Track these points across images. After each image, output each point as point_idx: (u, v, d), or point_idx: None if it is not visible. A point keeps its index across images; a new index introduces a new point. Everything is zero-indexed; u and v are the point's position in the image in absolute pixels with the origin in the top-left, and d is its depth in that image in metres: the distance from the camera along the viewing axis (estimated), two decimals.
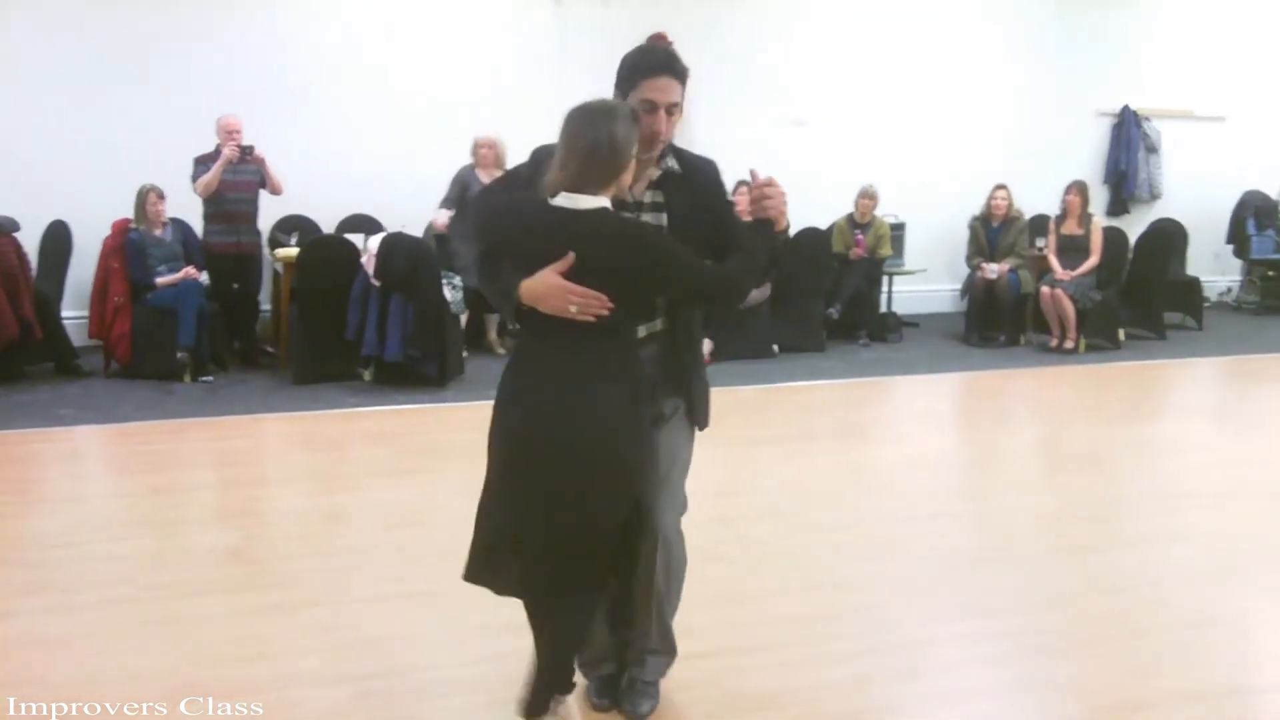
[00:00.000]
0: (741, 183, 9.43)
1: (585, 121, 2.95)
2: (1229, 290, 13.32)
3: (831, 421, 8.09)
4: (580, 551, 3.07)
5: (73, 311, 8.86)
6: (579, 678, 3.44)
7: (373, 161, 9.73)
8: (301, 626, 4.21)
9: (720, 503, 5.34)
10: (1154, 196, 12.90)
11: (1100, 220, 10.95)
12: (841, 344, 10.23)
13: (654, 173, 3.18)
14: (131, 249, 8.24)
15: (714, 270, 3.07)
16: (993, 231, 10.67)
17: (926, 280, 11.55)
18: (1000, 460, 7.22)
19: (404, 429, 7.31)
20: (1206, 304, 12.07)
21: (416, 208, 8.97)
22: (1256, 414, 8.60)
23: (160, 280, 8.24)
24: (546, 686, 3.25)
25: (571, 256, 2.92)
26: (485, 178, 8.92)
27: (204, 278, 8.42)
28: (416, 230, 8.68)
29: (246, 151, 8.47)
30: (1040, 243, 10.68)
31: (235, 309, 8.90)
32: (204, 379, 8.24)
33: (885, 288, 11.03)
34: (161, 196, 8.32)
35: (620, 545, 3.13)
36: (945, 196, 11.36)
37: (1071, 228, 10.46)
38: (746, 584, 4.60)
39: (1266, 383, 9.68)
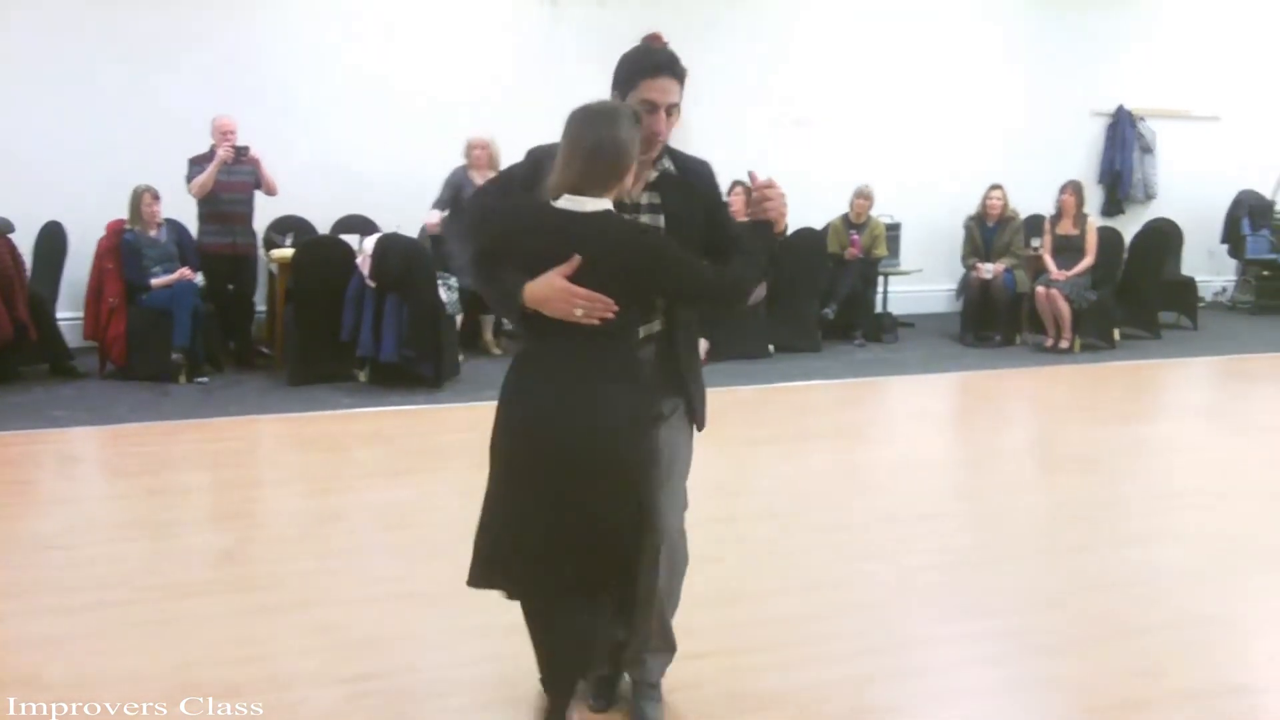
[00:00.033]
0: (737, 183, 9.47)
1: (589, 123, 2.93)
2: (1224, 290, 13.32)
3: (828, 422, 8.09)
4: (587, 554, 3.05)
5: (67, 313, 8.84)
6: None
7: (368, 162, 9.71)
8: (298, 627, 4.20)
9: (717, 503, 5.32)
10: (1149, 196, 12.90)
11: (1095, 220, 10.97)
12: (837, 344, 10.23)
13: (650, 174, 3.18)
14: (126, 250, 8.22)
15: (717, 272, 3.06)
16: (988, 231, 10.67)
17: (922, 280, 11.55)
18: (996, 460, 7.23)
19: (399, 430, 7.30)
20: (1201, 304, 12.08)
21: (412, 208, 8.95)
22: (1251, 413, 8.61)
23: (155, 281, 8.22)
24: (559, 701, 3.25)
25: (577, 260, 2.91)
26: (479, 179, 8.91)
27: (199, 279, 8.40)
28: (411, 231, 8.66)
29: (241, 152, 8.46)
30: (1035, 243, 10.69)
31: (230, 310, 8.87)
32: (199, 380, 8.23)
33: (881, 288, 11.03)
34: (156, 197, 8.30)
35: (627, 547, 3.10)
36: (940, 196, 11.36)
37: (1066, 228, 10.47)
38: (744, 584, 4.60)
39: (1261, 382, 9.69)
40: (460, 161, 9.11)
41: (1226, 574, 4.94)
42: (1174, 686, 3.88)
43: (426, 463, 6.67)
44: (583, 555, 3.05)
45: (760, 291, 3.25)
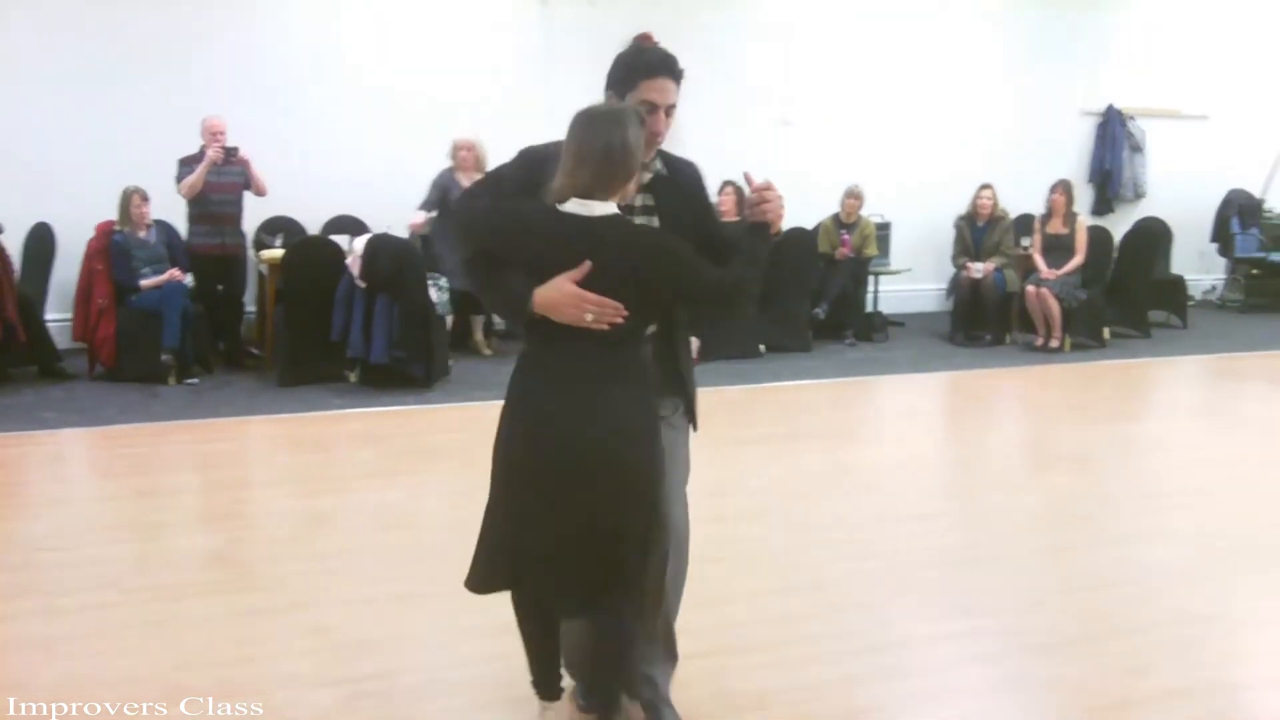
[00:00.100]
0: (728, 183, 9.48)
1: (597, 126, 2.91)
2: (1213, 288, 13.36)
3: (819, 421, 8.09)
4: (598, 560, 3.02)
5: (56, 314, 8.82)
6: (566, 680, 3.43)
7: (358, 162, 9.70)
8: (290, 629, 4.19)
9: (709, 503, 5.29)
10: (1138, 195, 12.95)
11: (1085, 219, 10.99)
12: (828, 344, 10.24)
13: (645, 176, 3.17)
14: (116, 251, 8.21)
15: (724, 275, 3.03)
16: (978, 231, 10.69)
17: (912, 280, 11.57)
18: (987, 459, 7.24)
19: (390, 431, 7.29)
20: (1191, 302, 12.12)
21: (402, 209, 8.94)
22: (1241, 412, 8.63)
23: (145, 282, 8.21)
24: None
25: (588, 265, 2.88)
26: (465, 180, 8.90)
27: (188, 279, 8.39)
28: (401, 231, 8.65)
29: (231, 153, 8.45)
30: (1025, 242, 10.71)
31: (220, 311, 8.87)
32: (189, 381, 8.21)
33: (871, 287, 11.04)
34: (145, 198, 8.29)
35: (638, 552, 3.07)
36: (930, 196, 11.38)
37: (1056, 227, 10.49)
38: (736, 584, 4.60)
39: (1251, 381, 9.71)
40: (448, 163, 9.09)
41: (1218, 572, 4.95)
42: (1166, 685, 3.89)
43: (417, 463, 6.66)
44: (593, 561, 3.02)
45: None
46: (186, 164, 8.45)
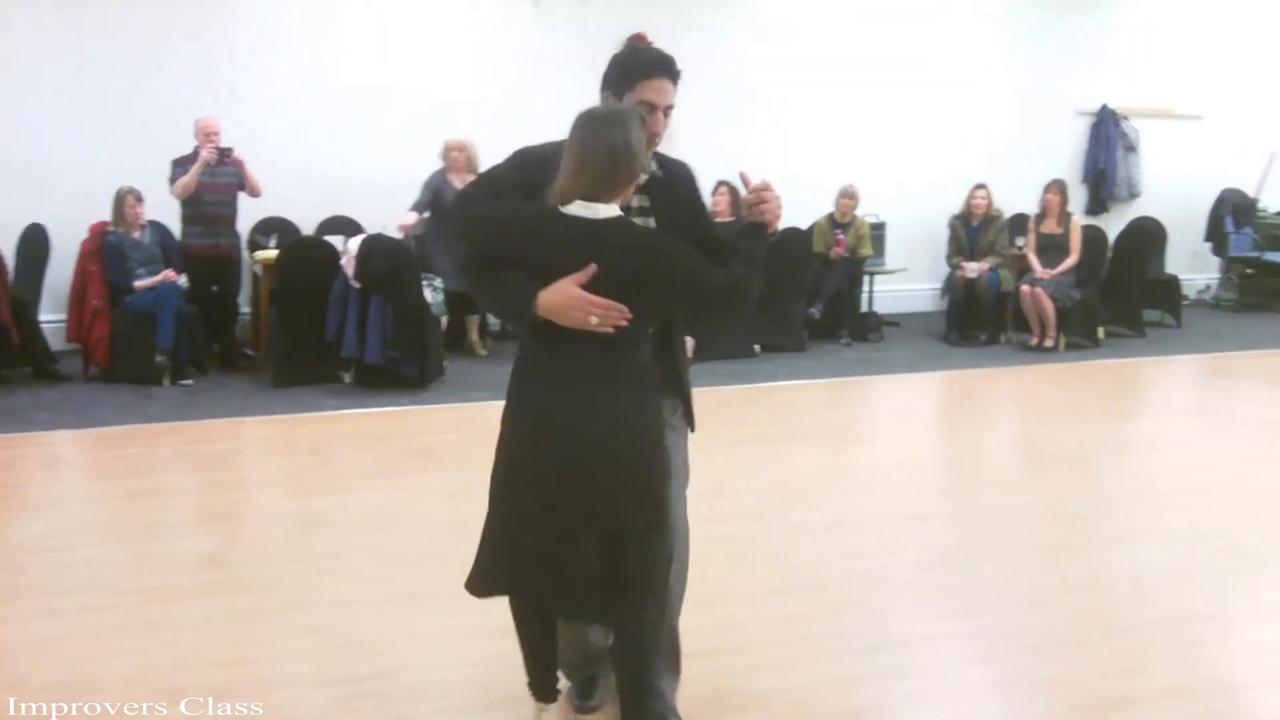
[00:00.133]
0: (722, 183, 9.48)
1: (600, 128, 2.89)
2: (1207, 288, 13.37)
3: (814, 421, 8.09)
4: (613, 565, 3.00)
5: (50, 315, 8.80)
6: (562, 681, 3.43)
7: (352, 163, 9.69)
8: (285, 631, 4.19)
9: (704, 503, 5.27)
10: (1133, 195, 12.95)
11: (1079, 219, 11.01)
12: (823, 344, 10.24)
13: (640, 176, 3.17)
14: (109, 252, 8.19)
15: (726, 275, 3.02)
16: (972, 231, 10.70)
17: (907, 280, 11.58)
18: (982, 459, 7.24)
19: (385, 431, 7.28)
20: (1185, 302, 12.12)
21: (396, 209, 8.92)
22: (1236, 411, 8.64)
23: (139, 283, 8.20)
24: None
25: (593, 268, 2.86)
26: (457, 181, 8.89)
27: (183, 280, 8.38)
28: (394, 232, 8.64)
29: (225, 153, 8.43)
30: (1020, 242, 10.72)
31: (214, 312, 8.84)
32: (183, 382, 8.20)
33: (866, 287, 11.04)
34: (139, 199, 8.28)
35: (647, 556, 3.05)
36: (925, 196, 11.39)
37: (1051, 226, 10.49)
38: (731, 584, 4.60)
39: (1245, 380, 9.73)
40: (440, 164, 9.08)
41: (1213, 572, 4.95)
42: (1161, 684, 3.89)
43: (412, 464, 6.65)
44: (598, 564, 3.00)
45: None
46: (180, 165, 8.44)
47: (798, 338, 10.06)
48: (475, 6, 10.42)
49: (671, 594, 3.31)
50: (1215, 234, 12.96)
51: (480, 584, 3.14)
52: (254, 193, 8.72)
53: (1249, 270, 12.83)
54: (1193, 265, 12.97)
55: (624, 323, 2.89)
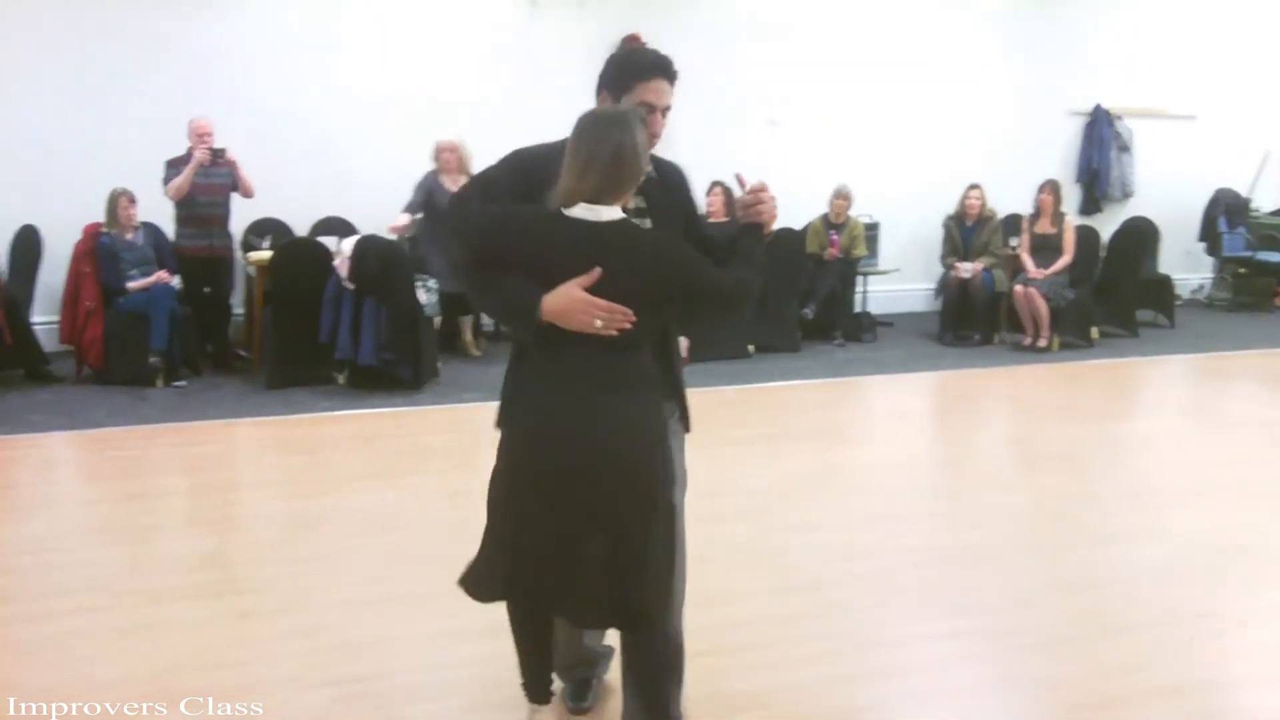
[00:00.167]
0: (716, 183, 9.48)
1: (604, 130, 2.87)
2: (1201, 288, 13.39)
3: (808, 421, 8.09)
4: (623, 567, 2.97)
5: (43, 316, 8.79)
6: (556, 683, 3.42)
7: (346, 164, 9.68)
8: (278, 632, 4.18)
9: (700, 503, 5.26)
10: (1126, 195, 12.97)
11: (1073, 219, 11.01)
12: (817, 344, 10.24)
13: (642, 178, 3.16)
14: (103, 253, 8.18)
15: (728, 276, 3.02)
16: (966, 231, 10.70)
17: (901, 280, 11.58)
18: (976, 459, 7.24)
19: (379, 432, 7.28)
20: (1179, 301, 12.13)
21: (390, 210, 8.92)
22: (1228, 411, 8.65)
23: (132, 285, 8.19)
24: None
25: (598, 271, 2.84)
26: (449, 183, 8.89)
27: (176, 281, 8.37)
28: (388, 233, 8.63)
29: (218, 154, 8.43)
30: (1014, 242, 10.74)
31: (208, 313, 8.83)
32: (176, 384, 8.19)
33: (860, 288, 11.04)
34: (133, 200, 8.27)
35: (656, 560, 3.03)
36: (919, 196, 11.40)
37: (1044, 227, 10.50)
38: (726, 584, 4.60)
39: (1238, 380, 9.74)
40: (432, 165, 9.07)
41: (1205, 571, 4.96)
42: (1153, 683, 3.90)
43: (406, 465, 6.65)
44: (603, 568, 2.97)
45: None
46: (173, 166, 8.43)
47: (792, 338, 10.06)
48: (471, 7, 10.41)
49: (674, 598, 3.31)
50: (1208, 234, 12.98)
51: (479, 588, 3.12)
52: (247, 194, 8.71)
53: (1242, 270, 12.85)
54: (1186, 265, 12.98)
55: (628, 326, 2.88)
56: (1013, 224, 10.89)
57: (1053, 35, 12.41)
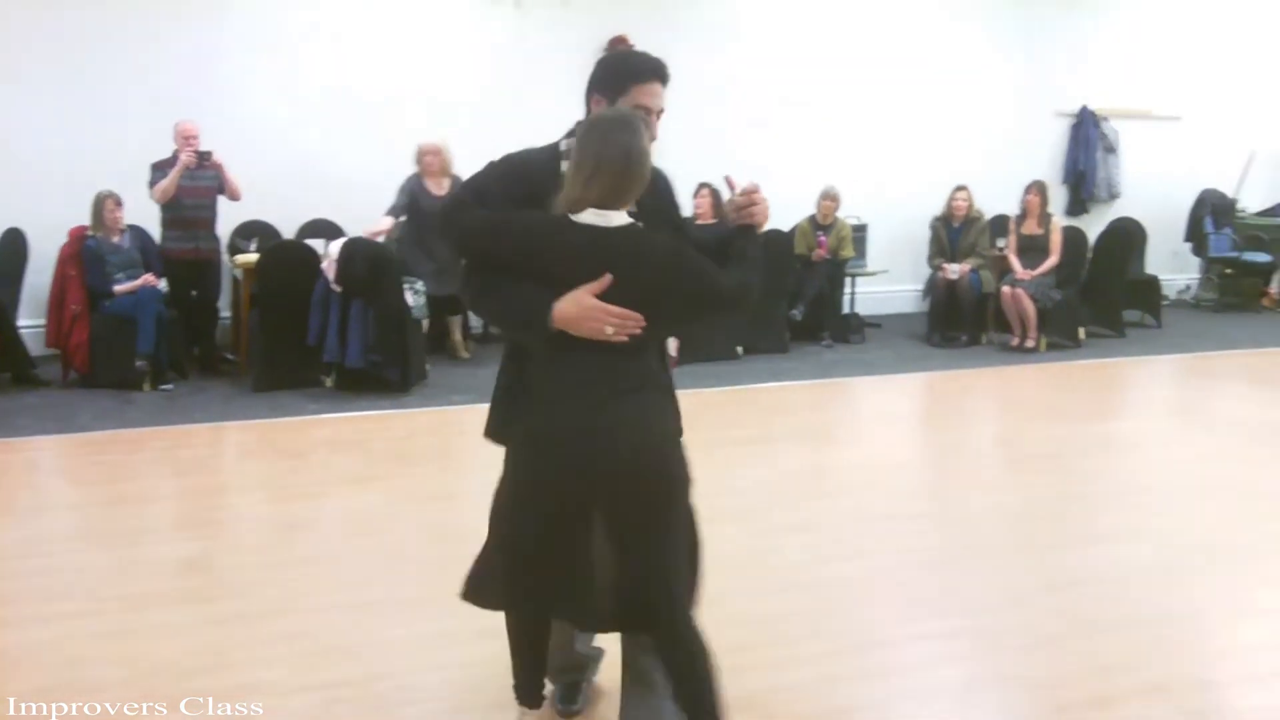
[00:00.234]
0: (703, 185, 9.48)
1: (612, 134, 2.85)
2: (1187, 288, 13.43)
3: (797, 422, 8.10)
4: (652, 571, 2.95)
5: (29, 320, 8.75)
6: (546, 686, 3.42)
7: (332, 166, 9.65)
8: (265, 636, 4.17)
9: None
10: (1113, 196, 13.01)
11: (1060, 220, 11.03)
12: (805, 345, 10.25)
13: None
14: (89, 256, 8.15)
15: (731, 279, 3.01)
16: (954, 232, 10.72)
17: (889, 281, 11.59)
18: (963, 459, 7.25)
19: (366, 435, 7.26)
20: (1165, 302, 12.17)
21: (377, 212, 8.90)
22: (1215, 411, 8.68)
23: (118, 288, 8.16)
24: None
25: (608, 278, 2.82)
26: (433, 186, 8.87)
27: (162, 285, 8.34)
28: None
29: (204, 157, 8.40)
30: (1001, 243, 10.76)
31: (194, 316, 8.80)
32: (163, 387, 8.16)
33: (848, 289, 11.06)
34: (119, 203, 8.24)
35: (680, 557, 3.02)
36: (906, 198, 11.42)
37: (1031, 228, 10.53)
38: (714, 585, 4.54)
39: (1224, 380, 9.77)
40: (414, 168, 9.05)
41: (1192, 570, 4.98)
42: (1141, 682, 3.90)
43: (394, 468, 6.64)
44: (628, 573, 2.95)
45: None
46: (159, 168, 8.40)
47: (780, 339, 10.07)
48: (456, 8, 10.40)
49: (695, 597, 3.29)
50: (1195, 234, 13.03)
51: (483, 595, 3.10)
52: (233, 196, 8.68)
53: (1228, 270, 12.89)
54: (1172, 265, 13.03)
55: (638, 331, 2.86)
56: (1000, 225, 10.92)
57: (1039, 37, 12.44)
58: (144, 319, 8.02)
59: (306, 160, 9.61)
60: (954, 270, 10.46)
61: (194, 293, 8.75)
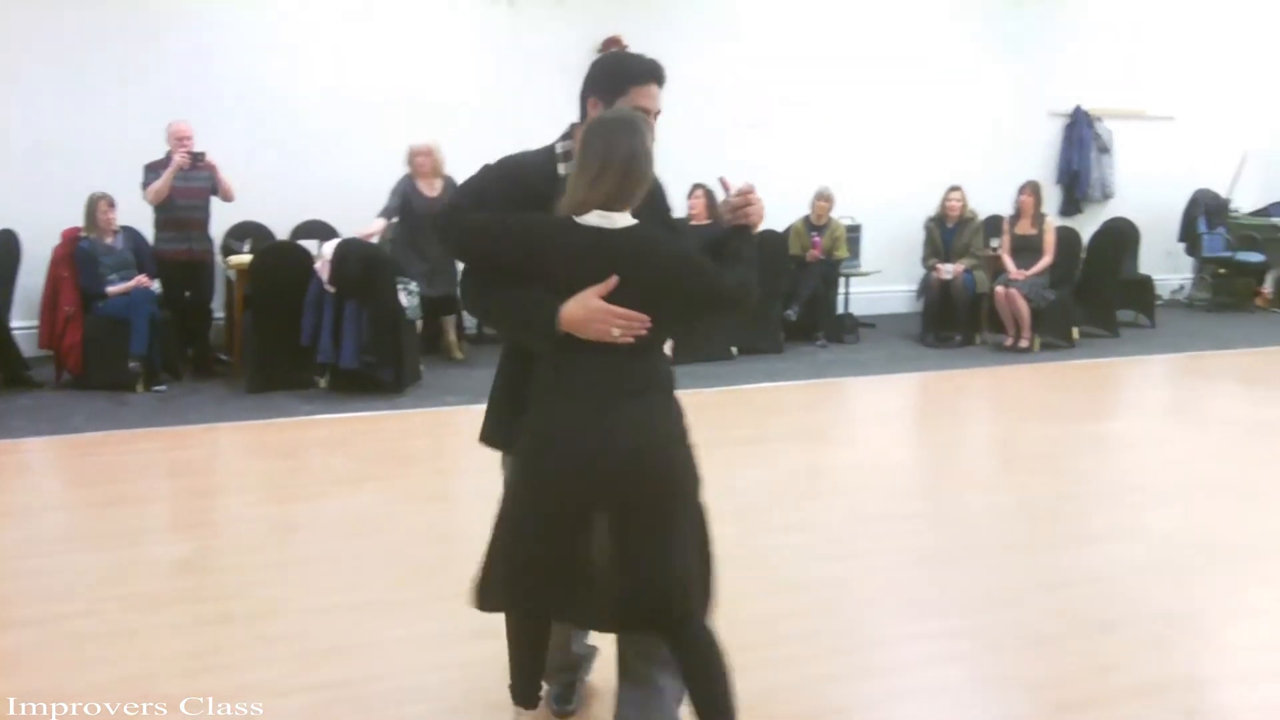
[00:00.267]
0: (697, 186, 9.48)
1: (618, 134, 2.85)
2: (1181, 288, 13.45)
3: (792, 423, 8.10)
4: (663, 570, 2.93)
5: (22, 321, 8.73)
6: (543, 687, 3.41)
7: (326, 167, 9.65)
8: (259, 637, 4.16)
9: None
10: (1106, 196, 13.02)
11: (1053, 220, 11.04)
12: (799, 345, 10.25)
13: None
14: (82, 258, 8.14)
15: (734, 278, 3.01)
16: (947, 232, 10.73)
17: (883, 281, 11.60)
18: (957, 459, 7.26)
19: (360, 436, 7.25)
20: (1159, 302, 12.19)
21: (371, 213, 8.89)
22: (1209, 410, 8.68)
23: (111, 289, 8.15)
24: None
25: (615, 279, 2.81)
26: (425, 187, 8.87)
27: (156, 286, 8.33)
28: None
29: (197, 158, 8.39)
30: (994, 243, 10.77)
31: (188, 317, 8.79)
32: (157, 388, 8.15)
33: (842, 289, 11.05)
34: (112, 204, 8.22)
35: (696, 554, 3.02)
36: (900, 198, 11.42)
37: (1025, 228, 10.54)
38: None
39: (1218, 379, 9.78)
40: (406, 169, 9.03)
41: (1186, 570, 4.98)
42: (1135, 682, 3.90)
43: (388, 469, 6.63)
44: (641, 573, 2.94)
45: None
46: (153, 169, 8.38)
47: (774, 340, 10.07)
48: (450, 8, 10.39)
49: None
50: (1188, 234, 13.03)
51: (497, 599, 3.08)
52: (227, 197, 8.67)
53: (1222, 270, 12.91)
54: (1166, 265, 13.04)
55: (644, 332, 2.85)
56: (993, 225, 10.92)
57: (1032, 37, 12.46)
58: (137, 320, 8.01)
59: (300, 161, 9.61)
60: (948, 270, 10.47)
61: (187, 294, 8.74)
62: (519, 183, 3.05)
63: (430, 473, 6.66)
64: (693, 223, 9.25)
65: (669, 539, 2.94)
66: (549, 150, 3.14)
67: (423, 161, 8.94)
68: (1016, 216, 10.60)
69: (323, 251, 8.15)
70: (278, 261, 8.34)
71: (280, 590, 4.64)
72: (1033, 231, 10.49)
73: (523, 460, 2.99)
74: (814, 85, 11.44)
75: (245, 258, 8.62)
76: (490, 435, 3.20)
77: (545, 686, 3.47)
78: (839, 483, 6.42)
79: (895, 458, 7.11)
